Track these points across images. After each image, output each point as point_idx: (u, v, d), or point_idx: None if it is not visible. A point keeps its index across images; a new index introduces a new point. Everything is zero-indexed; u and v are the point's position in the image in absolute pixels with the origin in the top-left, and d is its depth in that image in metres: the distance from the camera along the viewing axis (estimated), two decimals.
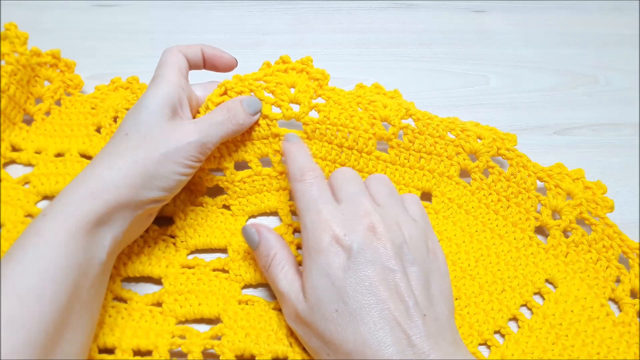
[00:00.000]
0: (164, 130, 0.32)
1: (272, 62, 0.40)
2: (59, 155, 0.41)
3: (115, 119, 0.42)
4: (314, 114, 0.38)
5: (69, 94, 0.44)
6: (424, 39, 0.53)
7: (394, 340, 0.27)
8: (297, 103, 0.38)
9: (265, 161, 0.39)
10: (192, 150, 0.33)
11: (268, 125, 0.37)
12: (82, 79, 0.45)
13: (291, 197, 0.38)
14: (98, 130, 0.42)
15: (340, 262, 0.29)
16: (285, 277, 0.31)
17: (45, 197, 0.39)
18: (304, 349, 0.32)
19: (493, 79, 0.50)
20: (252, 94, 0.37)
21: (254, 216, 0.39)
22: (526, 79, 0.50)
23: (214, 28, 0.52)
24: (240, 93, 0.37)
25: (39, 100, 0.43)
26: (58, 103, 0.44)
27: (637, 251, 0.36)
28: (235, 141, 0.38)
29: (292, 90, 0.38)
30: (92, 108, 0.43)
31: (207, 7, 0.54)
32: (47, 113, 0.43)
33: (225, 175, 0.38)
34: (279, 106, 0.37)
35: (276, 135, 0.37)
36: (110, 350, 0.32)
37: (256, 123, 0.37)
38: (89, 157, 0.40)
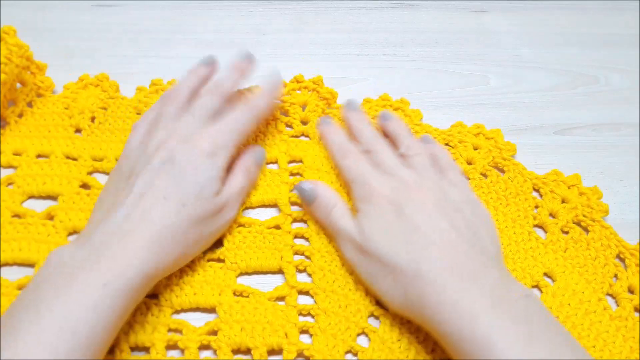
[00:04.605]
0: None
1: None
2: (40, 156, 0.41)
3: (92, 119, 0.43)
4: None
5: (39, 96, 0.44)
6: (424, 39, 0.53)
7: (445, 256, 0.31)
8: (306, 122, 0.43)
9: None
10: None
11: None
12: (52, 81, 0.44)
13: (291, 189, 0.39)
14: (77, 131, 0.42)
15: (391, 211, 0.33)
16: (344, 218, 0.35)
17: (32, 197, 0.39)
18: (299, 340, 0.32)
19: (493, 79, 0.50)
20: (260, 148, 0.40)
21: (252, 207, 0.39)
22: (526, 79, 0.50)
23: (214, 28, 0.52)
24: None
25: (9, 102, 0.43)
26: (29, 105, 0.43)
27: (634, 252, 0.37)
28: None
29: (304, 108, 0.44)
30: (66, 108, 0.43)
31: (207, 7, 0.54)
32: (20, 115, 0.43)
33: None
34: (291, 125, 0.43)
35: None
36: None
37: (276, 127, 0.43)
38: (74, 159, 0.41)
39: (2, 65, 0.39)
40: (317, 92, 0.44)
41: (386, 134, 0.41)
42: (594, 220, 0.38)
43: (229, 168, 0.37)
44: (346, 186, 0.38)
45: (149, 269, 0.30)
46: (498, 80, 0.50)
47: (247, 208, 0.38)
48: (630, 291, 0.36)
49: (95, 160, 0.40)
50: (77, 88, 0.44)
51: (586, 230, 0.38)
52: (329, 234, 0.37)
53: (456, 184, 0.37)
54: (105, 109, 0.43)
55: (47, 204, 0.38)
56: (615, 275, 0.36)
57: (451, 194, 0.35)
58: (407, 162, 0.37)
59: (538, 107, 0.48)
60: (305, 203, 0.37)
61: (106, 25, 0.52)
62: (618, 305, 0.35)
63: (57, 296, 0.27)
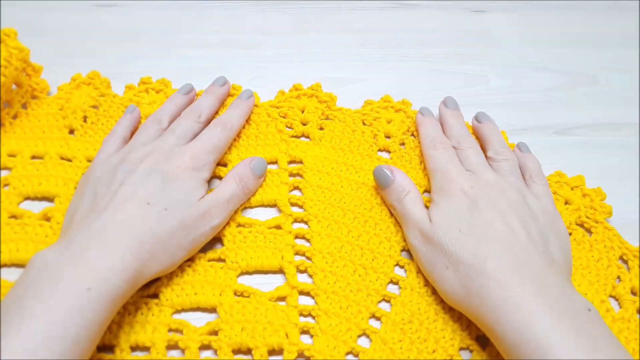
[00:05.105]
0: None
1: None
2: (35, 157, 0.41)
3: (85, 119, 0.43)
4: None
5: (34, 98, 0.44)
6: (424, 39, 0.53)
7: (512, 257, 0.31)
8: (306, 122, 0.43)
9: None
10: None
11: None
12: (47, 83, 0.44)
13: (293, 189, 0.40)
14: (71, 132, 0.42)
15: (466, 205, 0.34)
16: (415, 206, 0.36)
17: (27, 198, 0.39)
18: (300, 340, 0.32)
19: (493, 79, 0.50)
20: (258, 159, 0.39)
21: (251, 207, 0.39)
22: (526, 79, 0.50)
23: (214, 28, 0.52)
24: None
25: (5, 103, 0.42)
26: (24, 106, 0.43)
27: (637, 253, 0.37)
28: (247, 146, 0.42)
29: (303, 111, 0.44)
30: (60, 109, 0.43)
31: (207, 7, 0.54)
32: (14, 116, 0.43)
33: (227, 167, 0.40)
34: (291, 126, 0.43)
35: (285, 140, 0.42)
36: (108, 347, 0.32)
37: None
38: (68, 160, 0.41)
39: (2, 68, 0.39)
40: (316, 97, 0.44)
41: (478, 136, 0.42)
42: (597, 222, 0.38)
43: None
44: (428, 176, 0.39)
45: (133, 273, 0.30)
46: (498, 80, 0.50)
47: (246, 208, 0.39)
48: (633, 293, 0.36)
49: (89, 161, 0.40)
50: (71, 88, 0.44)
51: (589, 231, 0.38)
52: (398, 220, 0.37)
53: (538, 195, 0.37)
54: (97, 107, 0.43)
55: (44, 205, 0.38)
56: (618, 277, 0.36)
57: (530, 202, 0.35)
58: (493, 165, 0.38)
59: (538, 107, 0.48)
60: (381, 187, 0.38)
61: (106, 25, 0.52)
62: (621, 307, 0.35)
63: (42, 301, 0.27)
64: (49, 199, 0.39)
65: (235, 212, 0.38)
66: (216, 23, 0.53)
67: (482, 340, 0.33)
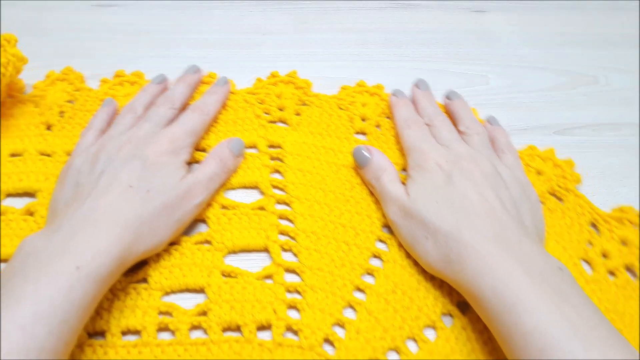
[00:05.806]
0: None
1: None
2: (14, 154, 0.41)
3: (61, 114, 0.43)
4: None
5: (10, 97, 0.44)
6: (424, 39, 0.53)
7: (487, 226, 0.32)
8: (283, 108, 0.44)
9: None
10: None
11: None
12: (24, 83, 0.44)
13: (274, 172, 0.40)
14: (49, 128, 0.42)
15: (441, 178, 0.35)
16: (392, 183, 0.37)
17: (9, 195, 0.39)
18: (287, 315, 0.33)
19: (493, 79, 0.50)
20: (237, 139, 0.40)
21: (233, 188, 0.39)
22: (526, 79, 0.50)
23: (214, 28, 0.52)
24: None
25: None
26: None
27: (607, 218, 0.38)
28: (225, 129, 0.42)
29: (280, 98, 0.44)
30: (36, 106, 0.43)
31: (207, 7, 0.54)
32: None
33: (205, 152, 0.40)
34: (268, 112, 0.43)
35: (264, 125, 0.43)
36: (99, 333, 0.32)
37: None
38: (48, 155, 0.40)
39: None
40: (293, 83, 0.45)
41: (449, 113, 0.43)
42: (568, 190, 0.40)
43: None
44: (404, 155, 0.40)
45: (120, 254, 0.30)
46: (498, 80, 0.50)
47: (228, 189, 0.39)
48: (604, 256, 0.37)
49: (69, 155, 0.40)
50: (46, 85, 0.45)
51: (561, 200, 0.40)
52: (377, 198, 0.38)
53: (510, 165, 0.38)
54: (72, 102, 0.43)
55: (26, 201, 0.38)
56: (590, 242, 0.38)
57: (502, 172, 0.37)
58: (465, 139, 0.40)
59: (538, 107, 0.48)
60: (359, 165, 0.39)
61: (106, 25, 0.52)
62: (593, 270, 0.37)
63: (31, 281, 0.27)
64: (31, 195, 0.39)
65: (218, 193, 0.38)
66: (216, 23, 0.53)
67: (462, 306, 0.34)
